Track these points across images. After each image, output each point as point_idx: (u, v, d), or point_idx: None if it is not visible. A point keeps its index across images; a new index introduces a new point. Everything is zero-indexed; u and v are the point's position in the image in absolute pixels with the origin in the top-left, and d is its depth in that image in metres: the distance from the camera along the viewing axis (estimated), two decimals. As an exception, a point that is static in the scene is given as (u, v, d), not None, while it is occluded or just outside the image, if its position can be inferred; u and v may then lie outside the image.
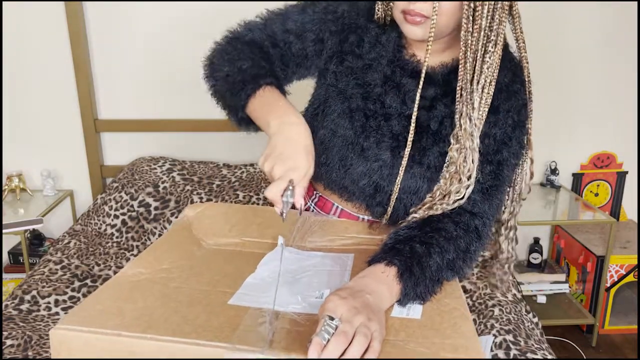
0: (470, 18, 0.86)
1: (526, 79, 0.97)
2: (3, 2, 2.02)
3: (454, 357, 0.66)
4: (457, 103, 0.91)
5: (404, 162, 0.94)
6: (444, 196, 0.92)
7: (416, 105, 0.94)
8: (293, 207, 0.83)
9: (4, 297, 2.05)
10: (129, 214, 1.87)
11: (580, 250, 2.22)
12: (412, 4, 0.87)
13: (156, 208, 1.87)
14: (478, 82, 0.88)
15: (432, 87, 0.96)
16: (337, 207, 1.07)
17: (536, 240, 2.31)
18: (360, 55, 0.99)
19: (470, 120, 0.88)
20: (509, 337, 1.26)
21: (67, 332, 0.70)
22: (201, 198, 1.90)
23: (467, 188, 0.90)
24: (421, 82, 0.93)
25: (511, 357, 1.20)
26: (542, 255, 2.31)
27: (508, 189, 1.00)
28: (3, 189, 2.15)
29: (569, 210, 2.16)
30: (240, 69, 0.94)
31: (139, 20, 2.08)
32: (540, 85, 2.19)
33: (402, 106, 0.96)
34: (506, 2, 0.87)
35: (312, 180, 1.02)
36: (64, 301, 1.46)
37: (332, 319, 0.70)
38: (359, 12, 1.00)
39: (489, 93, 0.89)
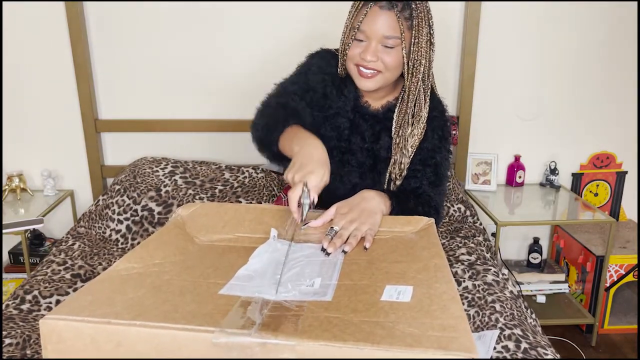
0: (411, 71, 1.22)
1: (444, 108, 1.33)
2: (3, 2, 2.03)
3: (441, 335, 0.67)
4: (393, 132, 1.28)
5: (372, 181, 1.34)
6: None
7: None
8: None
9: (4, 297, 2.05)
10: (132, 218, 1.87)
11: (579, 250, 2.22)
12: (364, 56, 1.19)
13: (159, 213, 1.87)
14: (413, 116, 1.27)
15: (378, 124, 1.31)
16: None
17: (536, 240, 2.31)
18: (330, 105, 1.31)
19: (405, 146, 1.27)
20: (517, 331, 1.27)
21: (57, 321, 0.70)
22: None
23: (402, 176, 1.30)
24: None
25: (521, 349, 1.21)
26: (541, 255, 2.31)
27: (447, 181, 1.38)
28: (3, 189, 2.15)
29: (569, 210, 2.16)
30: (274, 119, 1.24)
31: (139, 20, 2.08)
32: (540, 85, 2.22)
33: (362, 142, 1.31)
34: (428, 64, 1.22)
35: None
36: (66, 301, 1.46)
37: (332, 228, 1.03)
38: (329, 74, 1.32)
39: (423, 123, 1.27)
